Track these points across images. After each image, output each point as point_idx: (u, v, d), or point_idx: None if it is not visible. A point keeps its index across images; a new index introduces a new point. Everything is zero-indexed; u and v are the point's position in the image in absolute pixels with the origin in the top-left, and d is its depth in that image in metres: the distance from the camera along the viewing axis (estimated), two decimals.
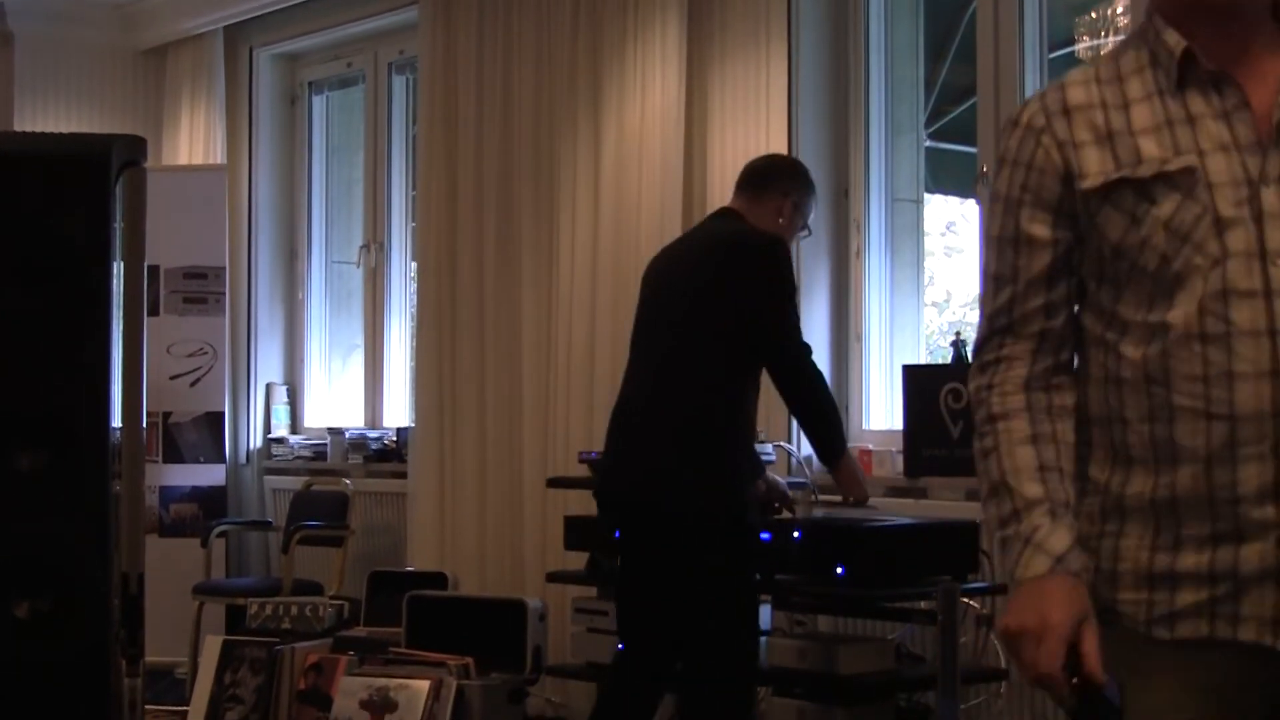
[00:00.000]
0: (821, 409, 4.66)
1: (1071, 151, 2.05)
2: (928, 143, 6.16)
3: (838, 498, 4.91)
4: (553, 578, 5.94)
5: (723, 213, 4.83)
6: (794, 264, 4.97)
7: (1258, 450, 1.93)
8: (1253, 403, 1.93)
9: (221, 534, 7.69)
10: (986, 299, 2.16)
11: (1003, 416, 2.10)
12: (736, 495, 4.49)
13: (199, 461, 8.03)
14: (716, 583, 4.47)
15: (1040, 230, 2.08)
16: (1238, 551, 1.96)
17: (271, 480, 8.31)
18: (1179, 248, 1.97)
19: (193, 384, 8.05)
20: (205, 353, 8.07)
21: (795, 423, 5.62)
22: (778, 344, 4.55)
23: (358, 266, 8.28)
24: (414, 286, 7.92)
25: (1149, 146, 2.01)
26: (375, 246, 8.14)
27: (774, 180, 4.79)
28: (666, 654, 4.62)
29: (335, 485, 7.60)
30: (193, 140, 8.63)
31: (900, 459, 5.57)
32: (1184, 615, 2.00)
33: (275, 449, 8.36)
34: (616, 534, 5.03)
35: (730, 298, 4.52)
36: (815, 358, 4.64)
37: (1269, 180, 1.96)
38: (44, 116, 8.58)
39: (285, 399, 8.51)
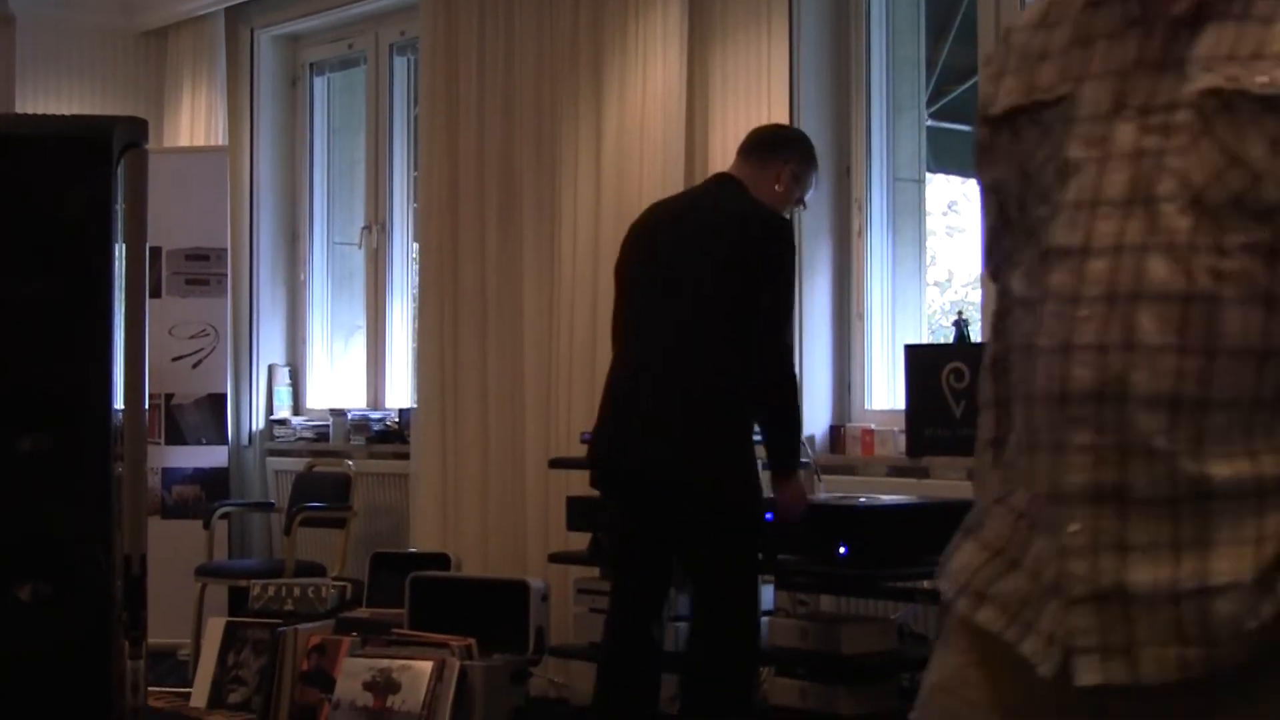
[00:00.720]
0: (793, 414, 4.60)
1: (994, 85, 1.75)
2: (929, 122, 6.15)
3: (839, 481, 4.90)
4: (555, 558, 5.95)
5: (725, 179, 4.75)
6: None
7: (1048, 439, 1.60)
8: (1043, 382, 1.59)
9: (224, 515, 7.69)
10: None
11: (982, 407, 1.86)
12: (752, 476, 4.48)
13: (201, 443, 8.03)
14: (727, 562, 4.46)
15: (984, 177, 1.80)
16: (1041, 551, 1.62)
17: (274, 462, 8.32)
18: (1026, 197, 1.68)
19: (195, 365, 8.05)
20: (207, 334, 8.07)
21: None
22: (774, 332, 4.49)
23: (359, 247, 8.28)
24: (416, 267, 7.92)
25: (1046, 74, 1.68)
26: (377, 227, 8.14)
27: (778, 149, 4.76)
28: (657, 629, 4.61)
29: (337, 466, 7.59)
30: (194, 122, 8.63)
31: (902, 439, 5.57)
32: (993, 600, 1.67)
33: (277, 430, 8.36)
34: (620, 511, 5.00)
35: (748, 278, 4.46)
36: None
37: (1128, 111, 1.59)
38: (45, 99, 8.57)
39: (287, 380, 8.51)
